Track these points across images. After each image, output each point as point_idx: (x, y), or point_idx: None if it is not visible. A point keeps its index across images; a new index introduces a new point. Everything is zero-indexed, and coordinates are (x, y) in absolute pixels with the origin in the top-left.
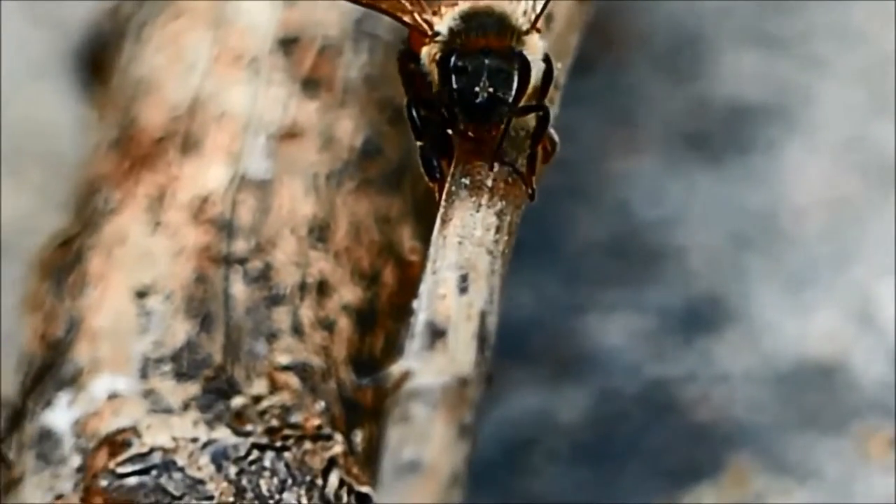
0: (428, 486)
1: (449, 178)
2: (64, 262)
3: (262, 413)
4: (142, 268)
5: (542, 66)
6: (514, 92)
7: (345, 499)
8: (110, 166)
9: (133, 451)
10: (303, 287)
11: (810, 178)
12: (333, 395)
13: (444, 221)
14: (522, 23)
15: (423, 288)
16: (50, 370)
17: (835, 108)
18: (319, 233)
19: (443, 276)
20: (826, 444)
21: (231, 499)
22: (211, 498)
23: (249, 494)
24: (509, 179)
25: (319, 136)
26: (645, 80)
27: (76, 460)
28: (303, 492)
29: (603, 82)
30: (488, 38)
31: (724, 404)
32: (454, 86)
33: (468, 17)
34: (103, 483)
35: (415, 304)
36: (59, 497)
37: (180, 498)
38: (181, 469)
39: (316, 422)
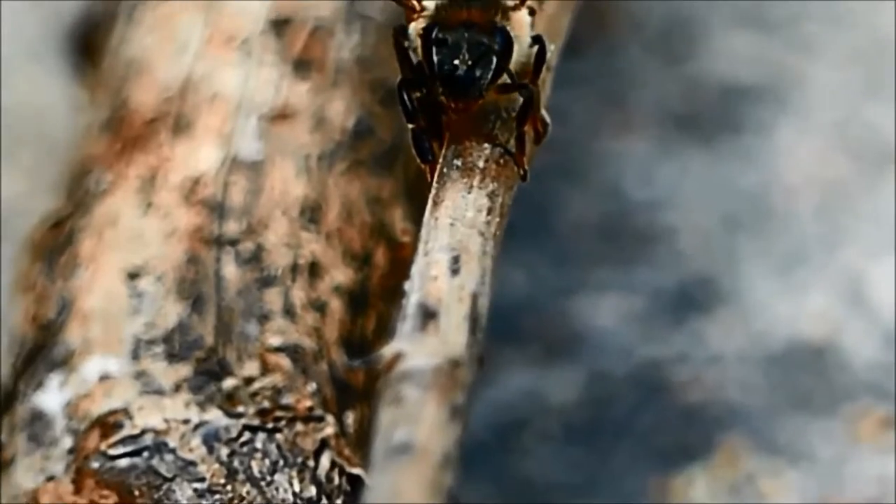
0: (419, 468)
1: (440, 160)
2: (55, 244)
3: (254, 394)
4: (133, 249)
5: (528, 42)
6: (493, 65)
7: (336, 480)
8: (102, 148)
9: (124, 432)
10: (294, 268)
11: (802, 159)
12: (325, 377)
13: (435, 203)
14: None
15: (415, 269)
16: (41, 352)
17: (827, 90)
18: (311, 214)
19: (434, 257)
20: (817, 426)
21: (223, 480)
22: (203, 479)
23: (241, 476)
24: (501, 161)
25: (311, 118)
26: (637, 62)
27: (67, 442)
28: (294, 473)
29: (595, 64)
30: (471, 11)
31: (715, 385)
32: (434, 58)
33: None
34: (95, 465)
35: (406, 285)
36: (51, 479)
37: (172, 479)
38: (173, 450)
39: (307, 403)
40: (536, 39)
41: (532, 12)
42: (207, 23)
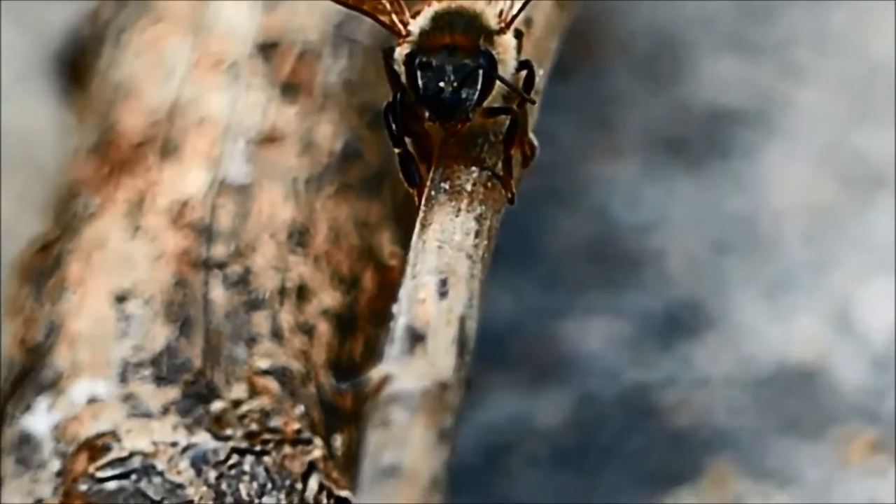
0: (408, 491)
1: (428, 183)
2: (43, 267)
3: (242, 417)
4: (121, 272)
5: (514, 65)
6: (479, 88)
7: (324, 503)
8: (90, 171)
9: (113, 455)
10: (282, 291)
11: (790, 183)
12: (313, 400)
13: (423, 226)
14: (494, 24)
15: (403, 292)
16: (29, 375)
17: (814, 114)
18: (299, 237)
19: (422, 280)
20: (805, 449)
21: (211, 503)
22: (191, 502)
23: (229, 499)
24: (489, 184)
25: (299, 141)
26: (625, 85)
27: (56, 465)
28: (282, 496)
29: (583, 87)
30: (454, 35)
31: (703, 409)
32: (419, 82)
33: (438, 17)
34: (83, 487)
35: (394, 308)
36: (39, 501)
37: (160, 502)
38: (161, 473)
39: (295, 426)
40: (524, 64)
41: (518, 35)
42: (195, 46)
